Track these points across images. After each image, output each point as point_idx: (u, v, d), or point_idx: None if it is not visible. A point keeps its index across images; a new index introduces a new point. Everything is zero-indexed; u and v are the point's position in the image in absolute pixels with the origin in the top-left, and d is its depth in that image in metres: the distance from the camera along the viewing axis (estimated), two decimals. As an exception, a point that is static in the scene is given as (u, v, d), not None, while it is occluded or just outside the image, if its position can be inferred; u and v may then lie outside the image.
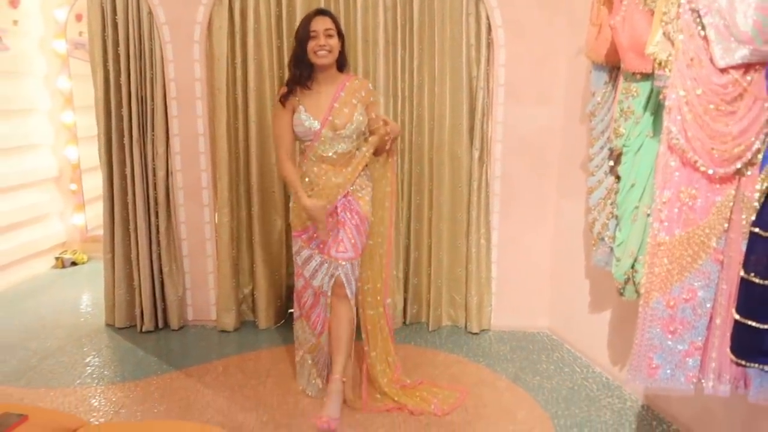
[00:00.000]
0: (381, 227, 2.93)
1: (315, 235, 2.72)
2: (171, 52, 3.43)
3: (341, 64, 2.77)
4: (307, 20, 2.66)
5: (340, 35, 2.71)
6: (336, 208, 2.71)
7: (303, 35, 2.65)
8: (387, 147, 2.75)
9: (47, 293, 4.43)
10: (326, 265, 2.72)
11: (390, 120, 2.84)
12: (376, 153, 2.83)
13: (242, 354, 3.37)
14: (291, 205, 2.87)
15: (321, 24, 2.64)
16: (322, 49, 2.63)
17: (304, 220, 2.75)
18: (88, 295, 4.37)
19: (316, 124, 2.67)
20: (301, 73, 2.68)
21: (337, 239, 2.70)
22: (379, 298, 2.94)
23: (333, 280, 2.71)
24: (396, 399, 2.81)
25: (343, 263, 2.68)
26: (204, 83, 3.48)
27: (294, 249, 2.86)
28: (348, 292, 2.71)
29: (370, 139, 2.74)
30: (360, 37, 3.40)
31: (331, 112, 2.68)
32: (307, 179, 2.75)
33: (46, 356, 3.35)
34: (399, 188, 3.47)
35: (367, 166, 2.82)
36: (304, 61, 2.67)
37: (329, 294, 2.74)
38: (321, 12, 2.70)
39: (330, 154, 2.70)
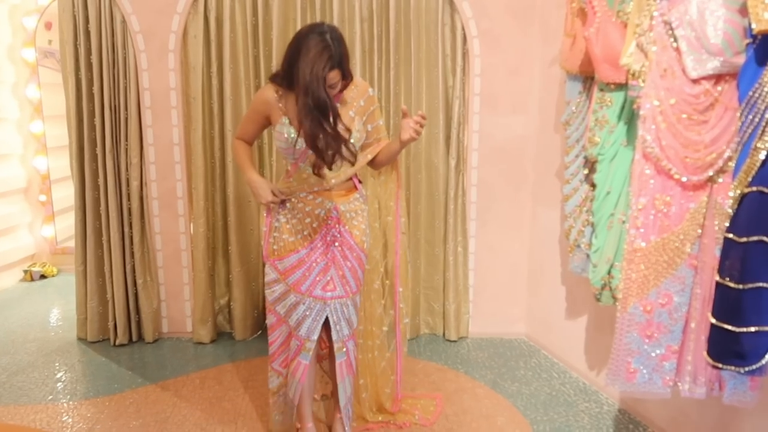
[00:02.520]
0: (375, 251, 2.55)
1: (304, 257, 2.32)
2: (145, 60, 3.39)
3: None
4: (322, 75, 2.08)
5: (348, 74, 2.26)
6: (325, 237, 2.34)
7: (318, 90, 2.07)
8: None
9: (16, 307, 4.31)
10: (307, 307, 2.30)
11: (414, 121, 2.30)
12: (376, 165, 2.46)
13: (219, 366, 3.33)
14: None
15: (335, 78, 2.15)
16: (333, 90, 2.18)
17: (288, 244, 2.34)
18: (58, 309, 4.27)
19: (301, 142, 2.16)
20: (313, 131, 2.11)
21: (324, 278, 2.32)
22: (374, 329, 2.62)
23: (320, 325, 2.30)
24: (380, 417, 2.72)
25: (332, 303, 2.31)
26: (179, 92, 3.45)
27: (266, 279, 2.40)
28: (339, 336, 2.34)
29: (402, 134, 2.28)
30: (337, 46, 3.40)
31: None
32: (288, 205, 2.35)
33: (16, 372, 3.26)
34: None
35: (361, 182, 2.48)
36: (312, 112, 2.09)
37: (313, 342, 2.31)
38: (332, 66, 2.12)
39: (323, 172, 2.25)
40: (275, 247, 2.36)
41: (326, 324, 2.33)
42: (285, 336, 2.45)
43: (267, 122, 2.37)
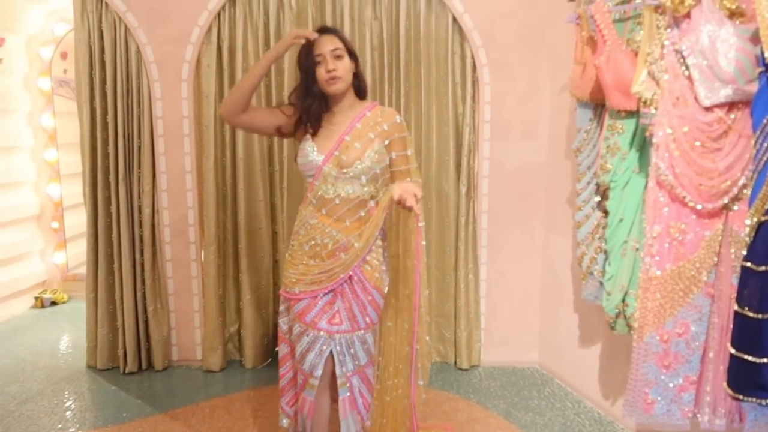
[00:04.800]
0: (396, 301, 2.33)
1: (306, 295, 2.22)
2: (159, 90, 3.44)
3: (359, 88, 2.28)
4: (309, 42, 2.18)
5: (352, 55, 2.23)
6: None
7: (308, 62, 2.17)
8: (414, 210, 2.05)
9: (26, 334, 4.31)
10: (311, 339, 2.20)
11: (412, 173, 2.26)
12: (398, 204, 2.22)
13: (229, 395, 3.30)
14: (287, 255, 2.37)
15: (327, 44, 2.15)
16: (332, 75, 2.14)
17: (299, 273, 2.26)
18: (68, 336, 4.26)
19: (320, 158, 2.18)
20: (311, 108, 2.20)
21: (331, 310, 2.21)
22: (400, 366, 2.38)
23: (323, 360, 2.19)
24: None
25: (338, 336, 2.19)
26: (192, 120, 3.49)
27: (280, 308, 2.39)
28: (342, 371, 2.20)
29: (389, 188, 2.17)
30: (348, 75, 3.44)
31: (339, 145, 2.17)
32: (302, 231, 2.26)
33: (25, 400, 3.24)
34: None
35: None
36: (313, 93, 2.19)
37: (317, 378, 2.20)
38: (325, 30, 2.22)
39: (331, 195, 2.19)
40: (287, 273, 2.31)
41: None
42: (295, 369, 2.37)
43: (275, 122, 2.31)
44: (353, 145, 2.17)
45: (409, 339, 2.27)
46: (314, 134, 2.24)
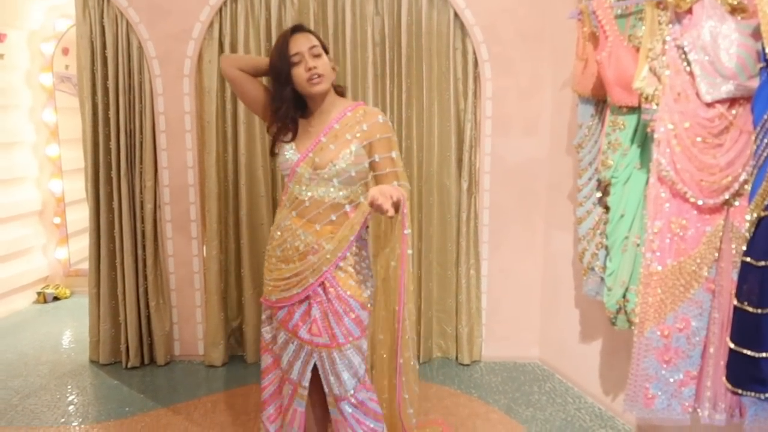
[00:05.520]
0: (386, 313, 2.18)
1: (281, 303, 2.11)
2: (161, 85, 3.44)
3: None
4: (283, 42, 2.04)
5: (327, 51, 2.11)
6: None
7: (281, 63, 2.04)
8: (388, 214, 1.80)
9: (29, 329, 4.32)
10: (296, 347, 2.10)
11: (398, 175, 2.08)
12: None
13: (231, 390, 3.31)
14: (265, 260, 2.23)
15: (303, 42, 2.03)
16: (314, 74, 2.01)
17: (273, 278, 2.14)
18: (70, 331, 4.28)
19: (295, 158, 2.08)
20: (280, 111, 2.08)
21: (309, 319, 2.07)
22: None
23: (309, 370, 2.08)
24: None
25: (319, 350, 2.05)
26: (193, 116, 3.49)
27: (263, 316, 2.30)
28: (330, 391, 2.08)
29: (367, 194, 1.90)
30: (349, 71, 3.44)
31: (315, 146, 2.06)
32: (278, 232, 2.14)
33: (28, 395, 3.26)
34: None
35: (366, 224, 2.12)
36: (283, 96, 2.07)
37: (306, 388, 2.11)
38: (298, 28, 2.08)
39: (303, 197, 2.07)
40: (265, 280, 2.21)
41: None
42: (279, 382, 2.25)
43: (261, 97, 2.21)
44: (328, 147, 2.05)
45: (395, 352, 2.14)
46: (291, 139, 2.12)
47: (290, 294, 2.09)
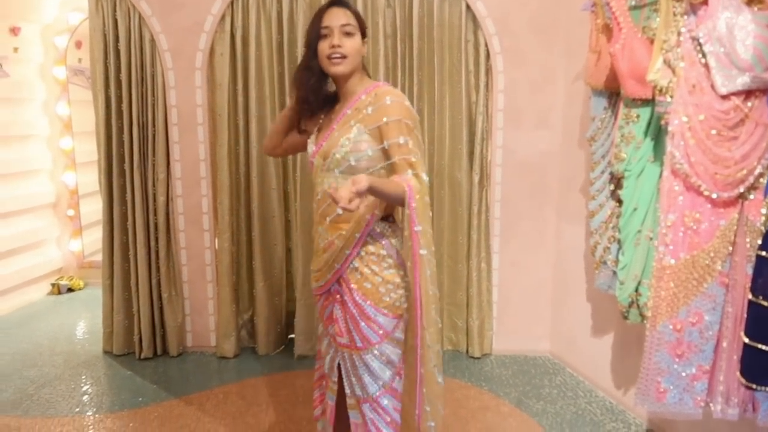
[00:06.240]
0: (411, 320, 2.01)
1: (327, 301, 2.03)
2: (173, 78, 3.46)
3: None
4: (319, 12, 1.90)
5: (364, 34, 1.93)
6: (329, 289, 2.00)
7: (312, 33, 1.89)
8: (339, 204, 1.58)
9: (43, 320, 4.38)
10: (328, 341, 2.04)
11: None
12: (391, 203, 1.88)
13: (242, 381, 3.34)
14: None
15: (338, 17, 1.86)
16: (336, 53, 1.84)
17: (311, 269, 2.07)
18: (84, 322, 4.32)
19: (311, 150, 2.00)
20: (308, 83, 1.93)
21: (332, 317, 2.00)
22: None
23: (335, 367, 2.00)
24: None
25: (341, 350, 1.96)
26: (205, 109, 3.50)
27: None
28: (351, 392, 1.97)
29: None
30: (361, 63, 3.44)
31: (329, 136, 1.93)
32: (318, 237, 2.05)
33: (43, 384, 3.30)
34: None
35: (392, 223, 1.99)
36: (311, 68, 1.91)
37: (335, 383, 2.03)
38: (338, 2, 1.90)
39: (318, 190, 1.96)
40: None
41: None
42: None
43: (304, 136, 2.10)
44: (334, 134, 1.90)
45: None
46: (316, 126, 2.02)
47: (317, 285, 2.03)
